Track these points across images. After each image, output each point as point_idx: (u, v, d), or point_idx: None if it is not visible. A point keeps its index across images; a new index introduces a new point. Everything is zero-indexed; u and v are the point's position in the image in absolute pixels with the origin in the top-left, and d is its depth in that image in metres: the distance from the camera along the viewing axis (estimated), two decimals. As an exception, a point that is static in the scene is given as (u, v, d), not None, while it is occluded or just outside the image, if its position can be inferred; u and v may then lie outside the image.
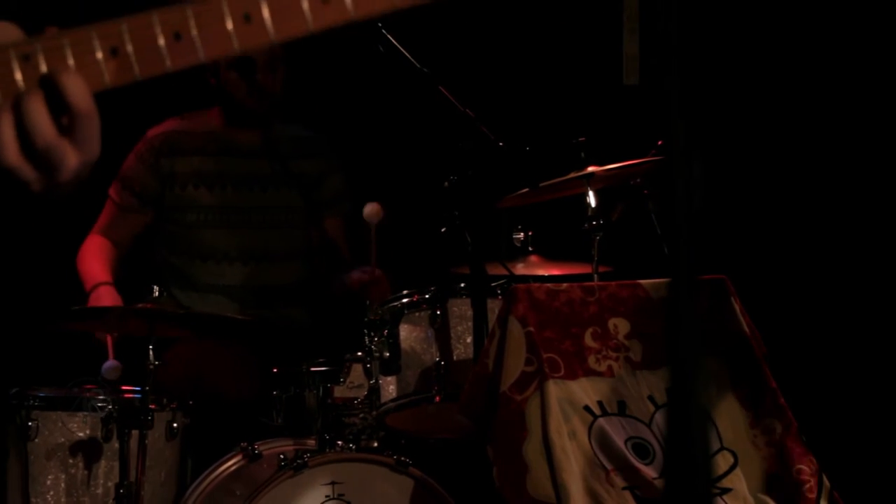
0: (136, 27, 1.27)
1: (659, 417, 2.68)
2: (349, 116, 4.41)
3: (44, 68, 1.24)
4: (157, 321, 3.19)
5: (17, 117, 1.21)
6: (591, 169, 3.14)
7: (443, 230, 3.17)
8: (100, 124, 1.25)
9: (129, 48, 1.26)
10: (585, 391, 2.67)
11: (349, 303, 3.73)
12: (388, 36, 3.14)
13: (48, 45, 1.25)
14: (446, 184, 3.14)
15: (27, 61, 1.24)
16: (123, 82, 1.27)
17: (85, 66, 1.25)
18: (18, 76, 1.24)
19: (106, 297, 3.58)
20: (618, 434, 2.64)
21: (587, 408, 2.65)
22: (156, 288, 3.21)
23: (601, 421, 2.65)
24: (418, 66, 3.17)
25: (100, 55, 1.26)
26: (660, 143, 3.11)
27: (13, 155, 1.21)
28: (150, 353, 3.15)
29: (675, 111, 1.29)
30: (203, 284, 3.76)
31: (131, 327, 3.38)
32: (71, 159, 1.23)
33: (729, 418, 2.74)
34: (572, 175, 3.17)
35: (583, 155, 3.18)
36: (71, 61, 1.25)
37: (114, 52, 1.26)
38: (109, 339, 3.43)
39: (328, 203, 3.93)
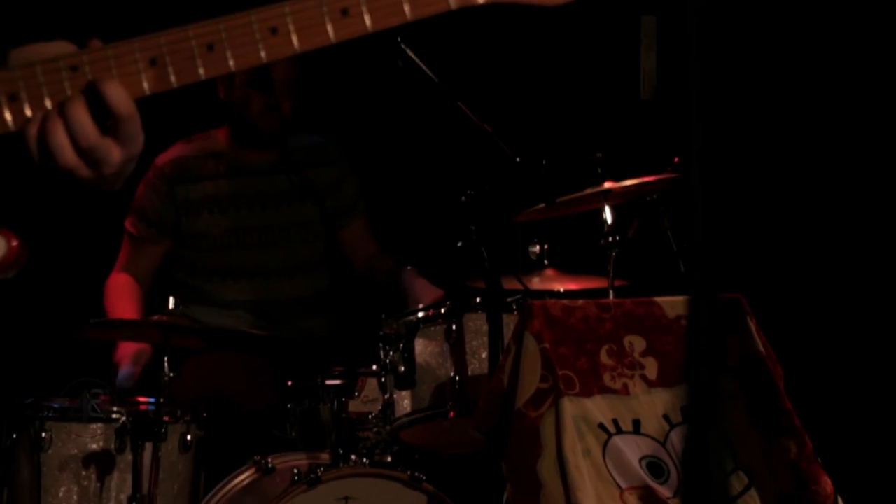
0: (174, 40, 1.41)
1: (674, 436, 2.67)
2: (368, 130, 4.42)
3: (90, 77, 1.38)
4: (172, 333, 3.20)
5: (64, 121, 1.36)
6: (607, 184, 3.14)
7: (459, 244, 3.17)
8: (140, 123, 1.39)
9: (167, 59, 1.41)
10: (600, 409, 2.66)
11: (365, 316, 3.74)
12: (407, 51, 3.14)
13: (94, 56, 1.39)
14: (463, 198, 3.14)
15: (75, 71, 1.38)
16: (161, 89, 1.41)
17: (126, 75, 1.40)
18: (67, 85, 1.38)
19: (132, 347, 3.52)
20: (632, 452, 2.63)
21: (602, 426, 2.64)
22: (171, 300, 3.21)
23: (616, 439, 2.64)
24: (437, 80, 3.17)
25: (140, 65, 1.40)
26: (676, 160, 3.10)
27: (70, 156, 1.36)
28: (165, 364, 3.15)
29: (692, 128, 1.29)
30: (223, 301, 3.77)
31: (147, 339, 3.39)
32: (115, 155, 1.38)
33: (743, 438, 2.72)
34: (589, 190, 3.16)
35: (599, 170, 3.18)
36: (114, 70, 1.38)
37: (153, 62, 1.41)
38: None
39: (348, 208, 3.93)
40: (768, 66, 4.19)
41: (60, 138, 1.35)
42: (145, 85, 1.40)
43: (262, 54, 1.42)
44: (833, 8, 4.12)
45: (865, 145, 4.13)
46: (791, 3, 4.15)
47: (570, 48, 4.46)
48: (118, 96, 1.36)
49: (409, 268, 3.69)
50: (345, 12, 1.42)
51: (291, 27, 1.42)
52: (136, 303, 3.68)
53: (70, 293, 3.95)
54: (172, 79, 1.40)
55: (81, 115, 1.35)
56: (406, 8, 1.43)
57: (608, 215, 3.15)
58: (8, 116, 1.38)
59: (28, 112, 1.37)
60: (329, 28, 1.42)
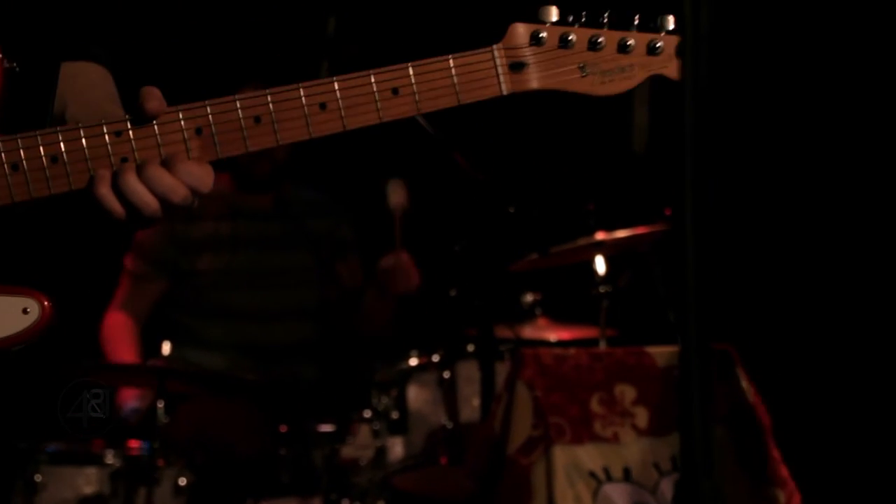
0: (221, 110, 1.40)
1: (664, 485, 2.69)
2: (363, 178, 4.45)
3: (133, 144, 1.39)
4: (167, 378, 3.21)
5: (148, 183, 1.39)
6: (599, 236, 3.18)
7: (452, 293, 3.20)
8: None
9: (213, 129, 1.40)
10: (591, 457, 2.68)
11: (358, 364, 3.76)
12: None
13: (136, 121, 1.41)
14: (456, 248, 3.17)
15: (119, 136, 1.40)
16: (205, 160, 1.41)
17: (171, 144, 1.39)
18: (111, 150, 1.39)
19: (134, 393, 3.56)
20: (623, 500, 2.65)
21: (593, 473, 2.67)
22: (166, 345, 3.23)
23: (606, 487, 2.66)
24: (432, 131, 3.21)
25: (186, 134, 1.40)
26: (668, 212, 3.15)
27: (156, 207, 1.41)
28: (160, 410, 3.16)
29: (683, 181, 1.33)
30: (215, 343, 3.78)
31: (143, 384, 3.40)
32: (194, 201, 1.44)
33: (733, 487, 2.74)
34: (581, 241, 3.20)
35: (592, 222, 3.22)
36: (159, 139, 1.40)
37: (198, 131, 1.40)
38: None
39: (340, 247, 3.95)
40: (755, 117, 4.24)
41: (146, 196, 1.39)
42: (190, 155, 1.41)
43: (310, 129, 1.41)
44: (817, 54, 4.18)
45: (851, 195, 4.17)
46: (778, 52, 4.21)
47: (563, 101, 4.50)
48: (203, 176, 1.41)
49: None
50: (395, 92, 1.43)
51: (341, 104, 1.41)
52: (134, 346, 3.71)
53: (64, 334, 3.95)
54: (218, 149, 1.42)
55: (170, 180, 1.40)
56: (457, 91, 1.45)
57: (600, 266, 3.18)
58: (48, 179, 1.39)
59: (71, 178, 1.39)
60: (378, 106, 1.42)
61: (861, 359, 4.13)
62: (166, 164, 1.40)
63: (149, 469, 3.14)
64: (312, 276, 3.90)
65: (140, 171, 1.40)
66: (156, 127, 1.39)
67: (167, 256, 3.79)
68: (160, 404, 3.17)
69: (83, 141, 1.39)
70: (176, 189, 1.41)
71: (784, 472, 2.77)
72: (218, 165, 4.12)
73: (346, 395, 3.56)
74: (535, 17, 1.48)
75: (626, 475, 2.70)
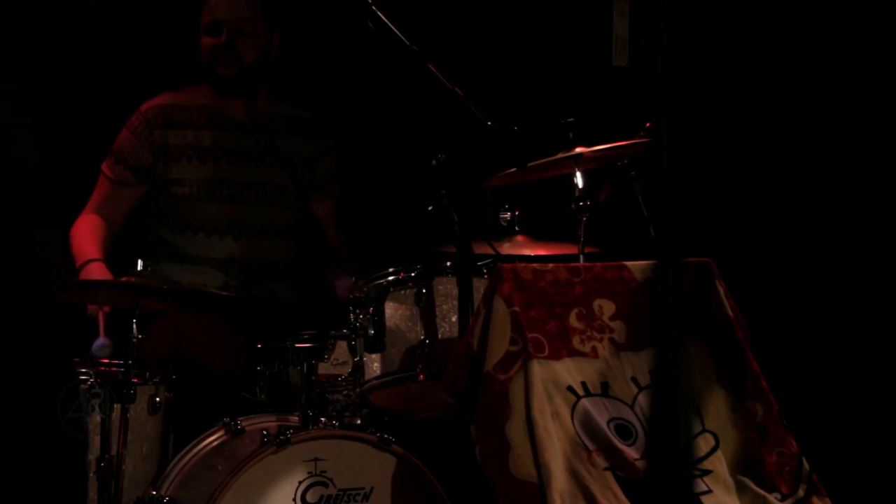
0: None
1: (642, 399, 2.69)
2: (338, 93, 4.40)
3: None
4: (141, 294, 3.19)
5: None
6: (578, 150, 3.14)
7: (430, 208, 3.16)
8: None
9: None
10: (569, 372, 2.67)
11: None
12: (379, 13, 3.13)
13: None
14: (434, 162, 3.13)
15: None
16: None
17: None
18: None
19: (96, 272, 3.59)
20: (600, 415, 2.65)
21: (571, 388, 2.66)
22: (140, 261, 3.20)
23: (584, 402, 2.65)
24: (408, 43, 3.16)
25: None
26: (648, 125, 3.11)
27: None
28: (134, 326, 3.15)
29: (662, 94, 1.30)
30: (193, 257, 3.77)
31: (116, 300, 3.38)
32: None
33: (711, 401, 2.75)
34: (560, 155, 3.17)
35: (571, 136, 3.18)
36: None
37: None
38: (101, 316, 3.44)
39: (319, 185, 3.93)
40: (738, 29, 4.19)
41: None
42: None
43: None
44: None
45: (830, 111, 4.15)
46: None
47: (543, 12, 4.45)
48: None
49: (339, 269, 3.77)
50: None
51: None
52: (100, 241, 3.71)
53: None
54: None
55: None
56: None
57: (579, 180, 3.15)
58: None
59: None
60: None
61: (842, 271, 4.13)
62: None
63: (124, 386, 3.13)
64: (289, 195, 3.87)
65: None
66: None
67: (146, 161, 3.77)
68: (134, 321, 3.15)
69: None
70: None
71: (763, 384, 2.76)
72: (197, 79, 4.07)
73: (322, 313, 3.54)
74: None
75: (605, 389, 2.70)
